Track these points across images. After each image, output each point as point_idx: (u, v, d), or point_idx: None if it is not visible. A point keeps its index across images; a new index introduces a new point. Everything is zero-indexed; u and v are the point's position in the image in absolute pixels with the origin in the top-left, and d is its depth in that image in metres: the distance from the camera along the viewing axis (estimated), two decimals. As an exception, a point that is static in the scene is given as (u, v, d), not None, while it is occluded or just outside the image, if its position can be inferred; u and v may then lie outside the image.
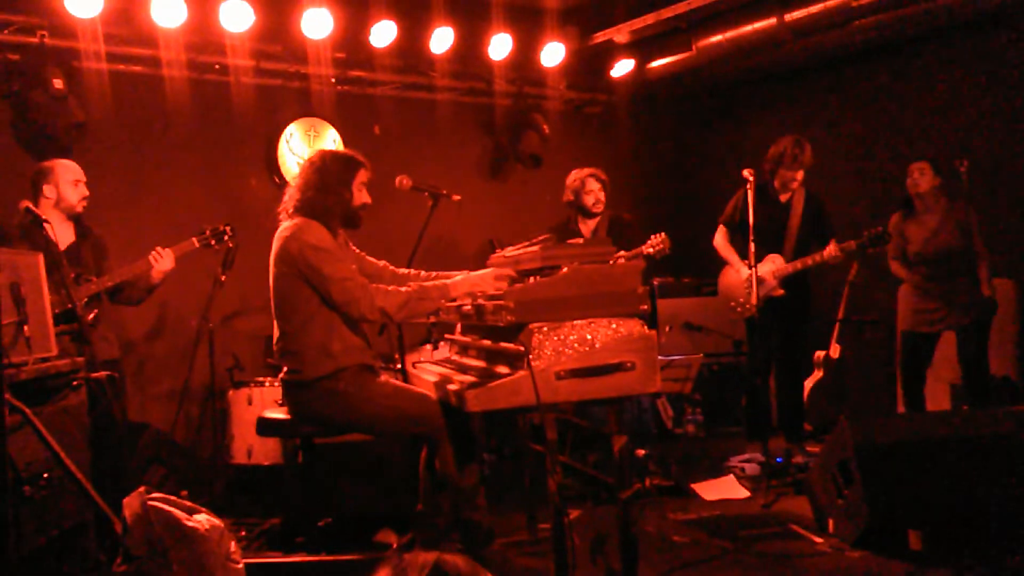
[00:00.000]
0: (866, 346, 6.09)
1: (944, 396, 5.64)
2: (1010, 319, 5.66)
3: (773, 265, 5.23)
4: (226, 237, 4.55)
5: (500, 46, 6.39)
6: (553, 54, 6.66)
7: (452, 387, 3.22)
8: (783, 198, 5.37)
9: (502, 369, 3.24)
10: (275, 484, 4.78)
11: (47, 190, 4.29)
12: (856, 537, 3.74)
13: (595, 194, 5.35)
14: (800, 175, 5.29)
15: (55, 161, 4.40)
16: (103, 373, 3.53)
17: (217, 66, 5.77)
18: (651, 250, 5.04)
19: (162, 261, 4.33)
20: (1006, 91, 5.99)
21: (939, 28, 6.00)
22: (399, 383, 3.68)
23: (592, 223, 5.43)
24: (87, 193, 4.38)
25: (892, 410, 5.94)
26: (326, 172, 3.59)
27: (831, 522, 3.93)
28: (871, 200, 5.85)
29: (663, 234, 5.06)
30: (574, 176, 5.43)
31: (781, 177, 5.31)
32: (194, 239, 4.47)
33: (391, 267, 3.88)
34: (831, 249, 5.05)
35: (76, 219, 4.41)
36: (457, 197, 4.61)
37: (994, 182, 5.70)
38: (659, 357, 4.78)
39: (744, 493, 4.82)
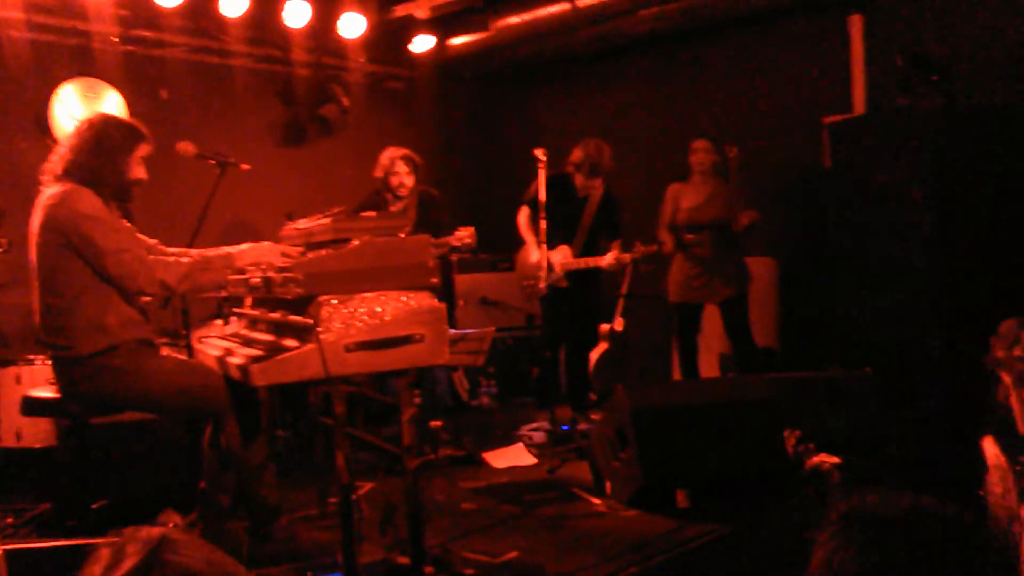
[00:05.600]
0: (647, 319, 6.47)
1: (714, 365, 6.10)
2: (771, 295, 6.19)
3: (561, 257, 5.47)
4: None
5: (297, 14, 6.23)
6: (352, 25, 6.56)
7: (235, 361, 3.16)
8: (581, 194, 5.60)
9: (291, 342, 3.21)
10: (48, 467, 4.51)
11: None
12: (630, 497, 3.99)
13: (401, 177, 5.33)
14: (599, 182, 5.54)
15: None
16: None
17: (-18, 18, 5.32)
18: (458, 243, 5.14)
19: None
20: (775, 84, 6.48)
21: (719, 21, 6.42)
22: (181, 358, 3.57)
23: (401, 202, 5.45)
24: None
25: (669, 378, 6.36)
26: (105, 137, 3.36)
27: (608, 484, 4.18)
28: (657, 176, 6.21)
29: (471, 228, 5.15)
30: (387, 155, 5.38)
31: (581, 180, 5.54)
32: None
33: (161, 246, 3.70)
34: (609, 259, 5.39)
35: None
36: (246, 166, 4.48)
37: (760, 167, 6.18)
38: (453, 331, 4.92)
39: (531, 460, 5.01)
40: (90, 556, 1.20)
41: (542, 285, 5.07)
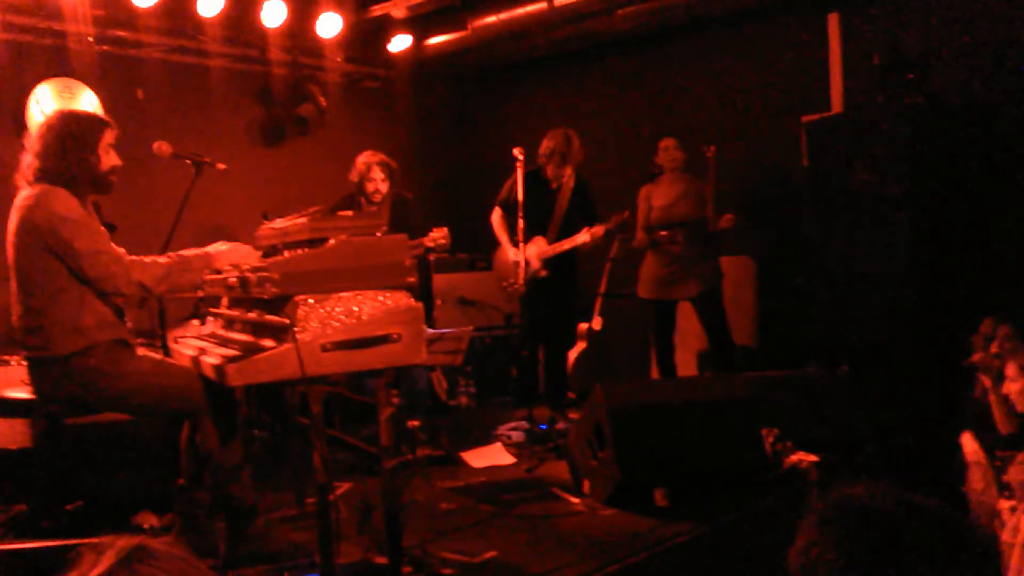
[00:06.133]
0: (624, 317, 6.49)
1: (692, 363, 6.12)
2: (749, 294, 6.23)
3: (537, 248, 5.49)
4: None
5: (274, 13, 6.21)
6: (329, 24, 6.55)
7: (211, 360, 3.13)
8: (554, 185, 5.61)
9: (268, 343, 3.19)
10: (23, 469, 4.46)
11: None
12: (608, 496, 4.00)
13: (377, 183, 5.31)
14: (569, 170, 5.55)
15: None
16: None
17: (-45, 18, 5.26)
18: (432, 244, 5.12)
19: None
20: (753, 83, 6.51)
21: (696, 21, 6.45)
22: (158, 358, 3.54)
23: (375, 207, 5.43)
24: None
25: (647, 377, 6.38)
26: (67, 135, 3.27)
27: (586, 483, 4.18)
28: (634, 175, 6.25)
29: (445, 229, 5.14)
30: (363, 160, 5.35)
31: (552, 171, 5.55)
32: None
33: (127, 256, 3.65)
34: (583, 236, 5.38)
35: None
36: (222, 166, 4.43)
37: (739, 166, 6.22)
38: (431, 330, 4.91)
39: (510, 459, 5.00)
40: (70, 561, 1.20)
41: (520, 283, 5.07)
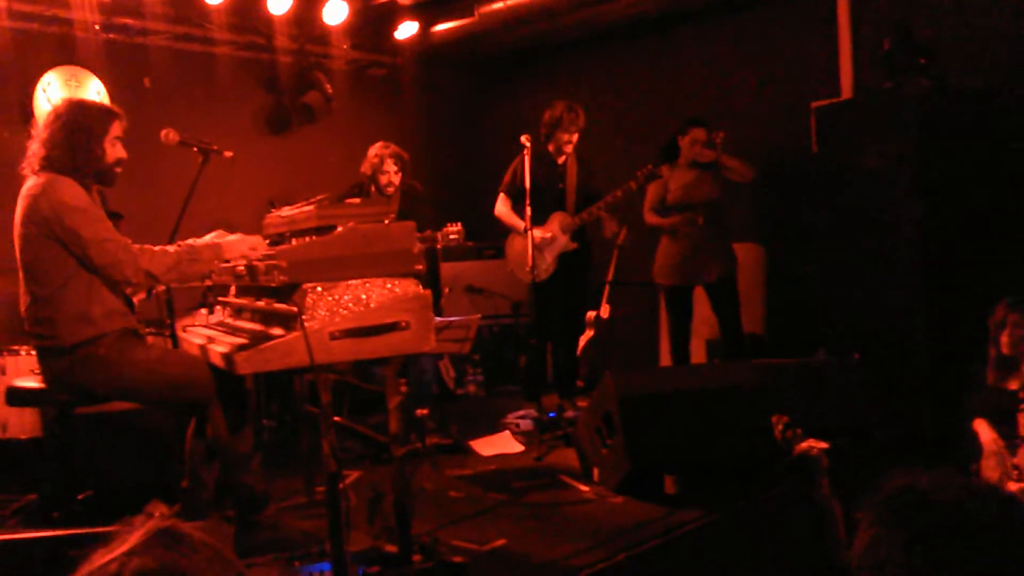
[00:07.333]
0: (632, 305, 6.47)
1: (701, 351, 6.10)
2: (759, 281, 6.19)
3: (559, 222, 5.45)
4: None
5: (280, 0, 6.18)
6: (336, 11, 6.52)
7: (220, 349, 3.12)
8: (559, 161, 5.58)
9: (277, 331, 3.18)
10: (34, 458, 4.48)
11: None
12: (618, 483, 3.99)
13: (390, 176, 5.31)
14: (575, 137, 5.52)
15: None
16: None
17: (-38, 6, 5.25)
18: (443, 238, 5.10)
19: None
20: (762, 68, 6.47)
21: (705, 6, 6.41)
22: (167, 347, 3.54)
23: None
24: None
25: (655, 365, 6.36)
26: (74, 126, 3.26)
27: (596, 471, 4.18)
28: (638, 164, 6.21)
29: (459, 224, 5.13)
30: (375, 152, 5.35)
31: (556, 141, 5.51)
32: None
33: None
34: (615, 192, 5.31)
35: None
36: (229, 153, 4.41)
37: (747, 152, 6.16)
38: (439, 318, 4.90)
39: (518, 448, 5.01)
40: (108, 538, 1.17)
41: (529, 265, 5.03)
